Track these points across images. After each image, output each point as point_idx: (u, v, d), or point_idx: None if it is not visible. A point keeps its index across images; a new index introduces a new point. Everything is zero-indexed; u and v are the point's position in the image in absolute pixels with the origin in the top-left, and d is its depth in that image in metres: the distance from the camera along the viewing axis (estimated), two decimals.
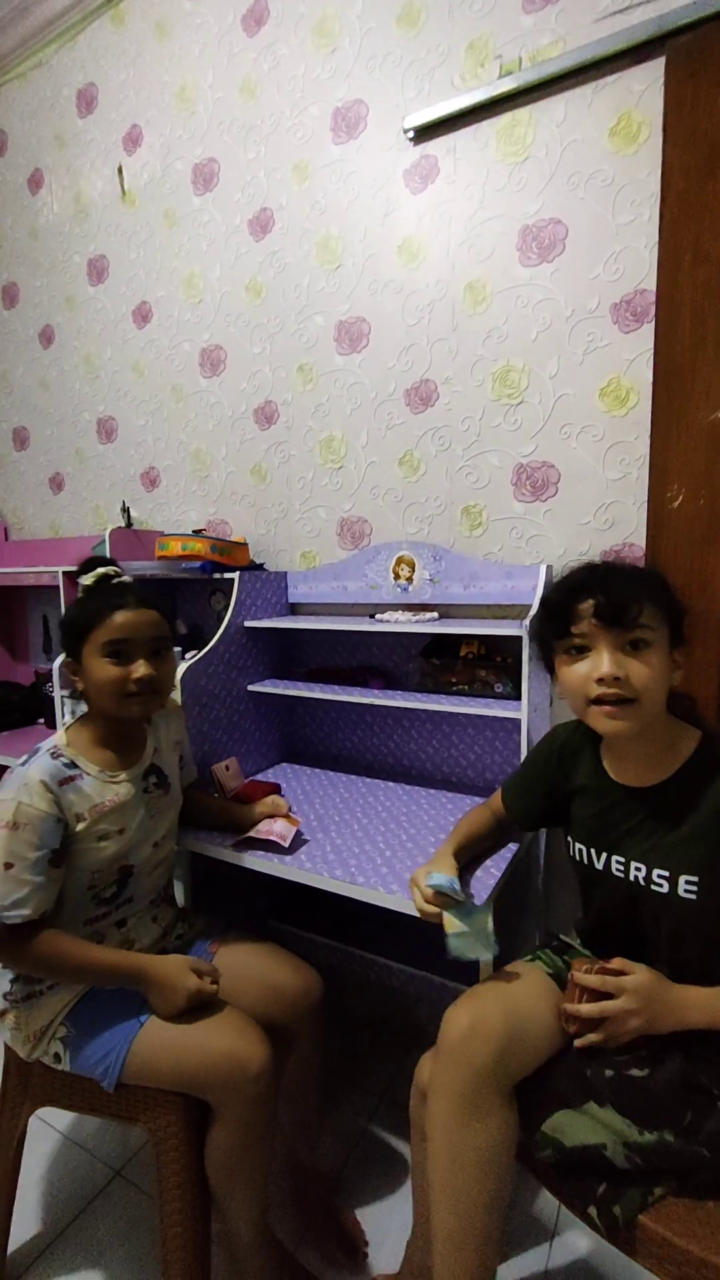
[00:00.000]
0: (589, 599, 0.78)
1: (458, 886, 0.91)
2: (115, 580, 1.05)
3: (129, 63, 1.91)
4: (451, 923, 0.88)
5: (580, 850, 0.93)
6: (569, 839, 0.96)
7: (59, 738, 0.99)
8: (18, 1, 2.00)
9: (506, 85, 1.31)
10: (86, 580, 1.05)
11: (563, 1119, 0.78)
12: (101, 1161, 1.28)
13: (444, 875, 0.92)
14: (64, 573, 1.81)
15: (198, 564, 1.53)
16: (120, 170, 1.97)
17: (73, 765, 0.96)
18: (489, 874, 1.05)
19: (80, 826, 0.93)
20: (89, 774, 0.97)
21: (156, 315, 1.95)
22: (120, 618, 0.97)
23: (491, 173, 1.39)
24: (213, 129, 1.78)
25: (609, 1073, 0.79)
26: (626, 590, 0.77)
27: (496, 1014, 0.81)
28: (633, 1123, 0.75)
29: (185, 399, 1.92)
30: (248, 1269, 0.97)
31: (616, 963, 0.82)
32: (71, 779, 0.94)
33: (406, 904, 0.98)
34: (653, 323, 1.25)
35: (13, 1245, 1.10)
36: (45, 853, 0.89)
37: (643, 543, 1.29)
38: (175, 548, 1.57)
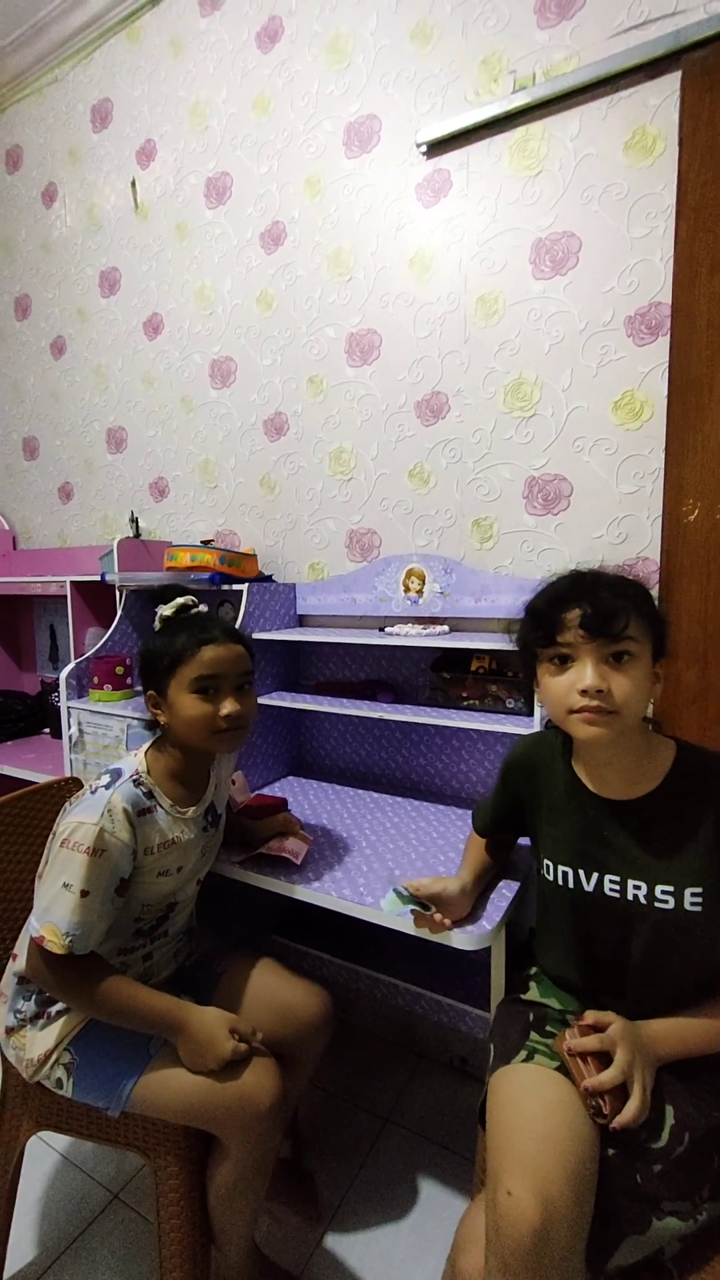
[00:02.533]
0: (575, 608, 0.77)
1: (400, 893, 0.99)
2: (194, 611, 1.04)
3: (144, 79, 1.93)
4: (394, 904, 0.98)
5: (565, 873, 0.87)
6: (547, 861, 0.89)
7: (140, 762, 0.97)
8: (35, 19, 2.03)
9: (520, 100, 1.31)
10: (166, 611, 1.03)
11: (628, 1246, 0.70)
12: (99, 1184, 1.25)
13: (393, 900, 0.99)
14: (72, 582, 1.81)
15: (206, 575, 1.52)
16: (133, 184, 1.99)
17: (150, 795, 0.94)
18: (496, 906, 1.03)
19: (147, 860, 0.92)
20: (162, 807, 0.95)
21: (167, 327, 1.96)
22: (210, 653, 0.94)
23: (504, 186, 1.39)
24: (226, 144, 1.79)
25: (658, 1168, 0.72)
26: (613, 602, 0.76)
27: (561, 1181, 0.65)
28: (685, 1203, 0.71)
29: (195, 410, 1.92)
30: None
31: (588, 1016, 0.80)
32: (149, 810, 0.93)
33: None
34: (668, 335, 1.24)
35: (9, 1269, 1.08)
36: (115, 882, 0.87)
37: (657, 557, 1.27)
38: (184, 559, 1.56)
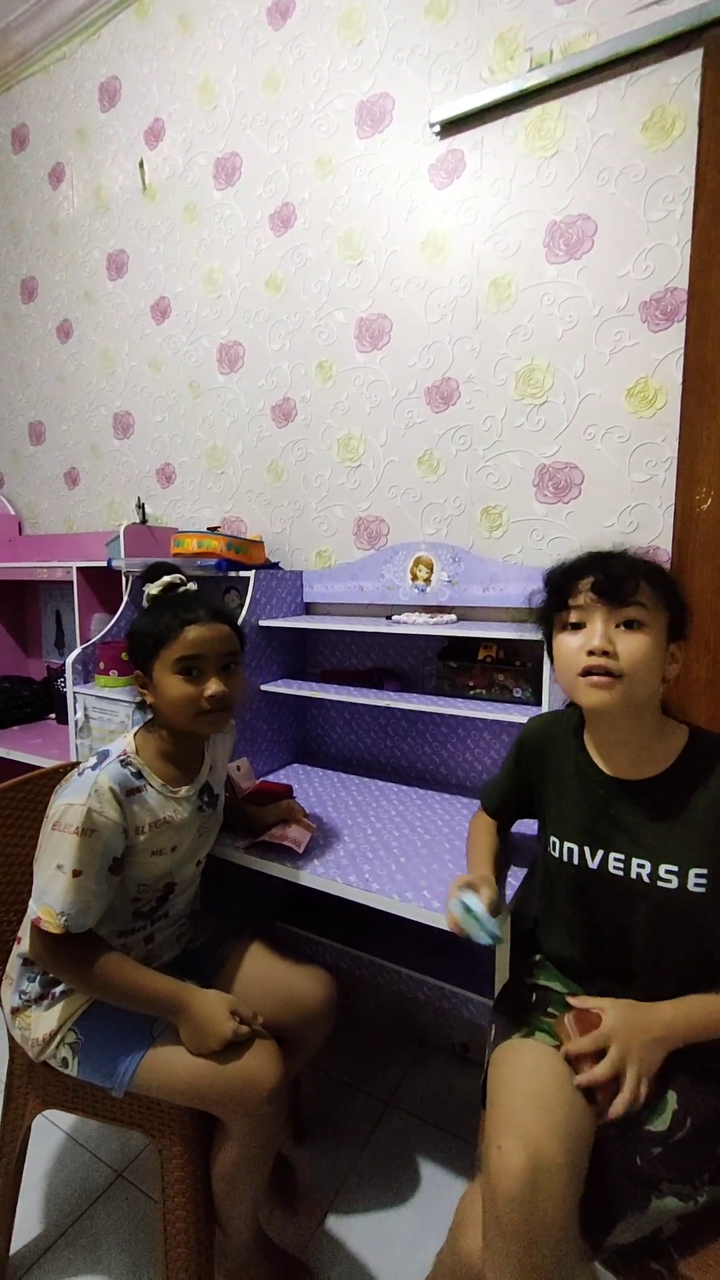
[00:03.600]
0: (589, 575, 0.80)
1: (480, 910, 0.85)
2: (182, 590, 1.03)
3: (152, 56, 1.90)
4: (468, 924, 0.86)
5: (570, 850, 0.88)
6: (554, 839, 0.91)
7: (128, 744, 0.97)
8: None
9: (537, 78, 1.29)
10: (153, 589, 1.01)
11: (626, 1224, 0.72)
12: (104, 1162, 1.26)
13: (475, 898, 0.86)
14: (78, 568, 1.81)
15: (213, 562, 1.52)
16: (141, 164, 1.96)
17: (139, 775, 0.94)
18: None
19: (140, 839, 0.92)
20: (153, 786, 0.95)
21: (175, 311, 1.94)
22: (193, 634, 0.93)
23: (519, 168, 1.36)
24: (235, 123, 1.76)
25: (657, 1150, 0.73)
26: (624, 569, 0.79)
27: (552, 1142, 0.68)
28: (686, 1186, 0.72)
29: (202, 395, 1.91)
30: (242, 1264, 0.97)
31: (579, 1002, 0.81)
32: (138, 790, 0.92)
33: (420, 912, 0.97)
34: (683, 322, 1.22)
35: (15, 1245, 1.09)
36: (109, 860, 0.87)
37: (669, 546, 1.26)
38: (190, 545, 1.55)
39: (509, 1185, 0.66)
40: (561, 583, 0.83)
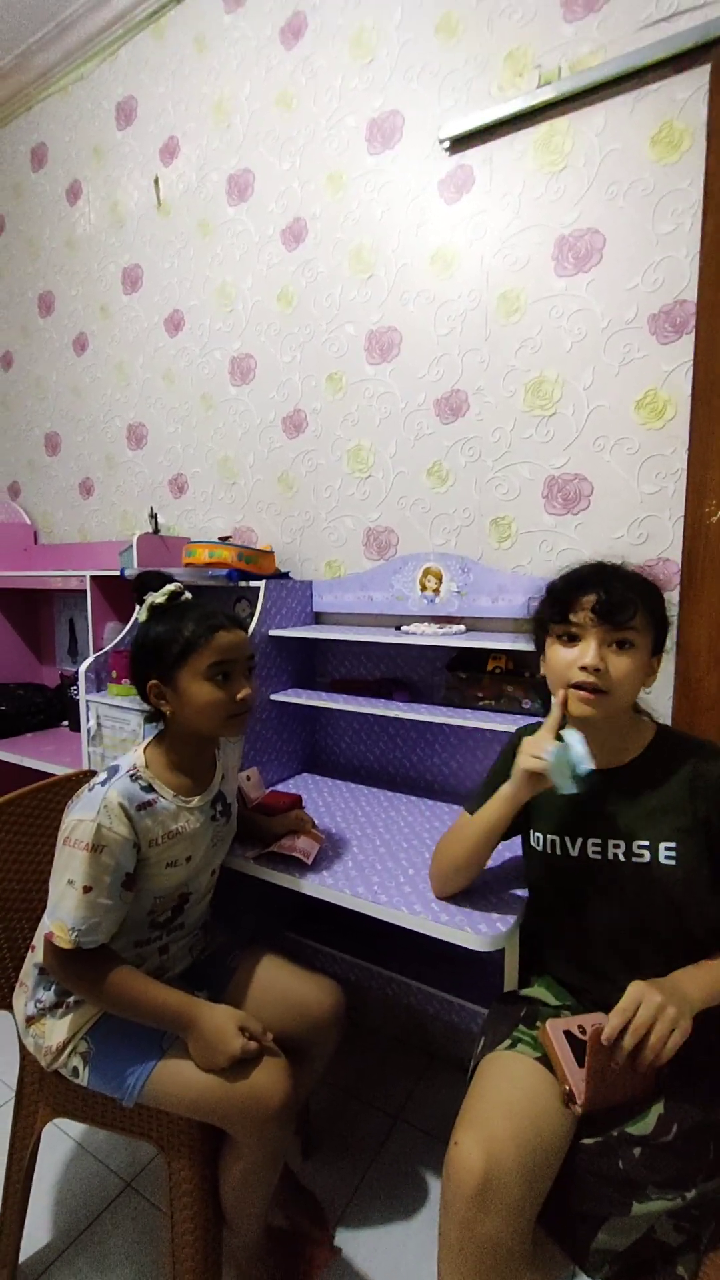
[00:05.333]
0: (591, 594, 0.84)
1: (580, 746, 0.82)
2: (183, 598, 1.03)
3: (168, 76, 1.94)
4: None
5: (552, 841, 0.93)
6: (536, 834, 0.96)
7: (138, 758, 0.97)
8: (62, 17, 2.04)
9: (545, 94, 1.30)
10: (158, 598, 1.01)
11: (611, 1228, 0.73)
12: (113, 1172, 1.27)
13: (576, 734, 0.84)
14: (91, 577, 1.83)
15: (224, 572, 1.53)
16: (156, 181, 2.00)
17: (150, 789, 0.94)
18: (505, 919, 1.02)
19: (153, 851, 0.92)
20: (164, 798, 0.95)
21: (188, 324, 1.97)
22: (224, 639, 0.94)
23: (528, 182, 1.37)
24: (249, 140, 1.79)
25: (638, 1151, 0.75)
26: (625, 593, 0.84)
27: (510, 1146, 0.71)
28: (675, 1191, 0.72)
29: (215, 407, 1.93)
30: (251, 1264, 0.98)
31: (560, 1024, 0.81)
32: (149, 804, 0.93)
33: (430, 925, 0.97)
34: (692, 334, 1.22)
35: (25, 1254, 1.10)
36: (121, 876, 0.88)
37: (678, 558, 1.26)
38: (202, 555, 1.57)
39: (459, 1179, 0.70)
40: (564, 596, 0.87)
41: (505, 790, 0.93)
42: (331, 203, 1.65)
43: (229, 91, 1.81)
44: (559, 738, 0.86)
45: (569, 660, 0.85)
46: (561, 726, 0.87)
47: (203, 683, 0.94)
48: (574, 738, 0.84)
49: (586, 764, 0.82)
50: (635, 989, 0.76)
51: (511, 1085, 0.79)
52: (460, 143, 1.44)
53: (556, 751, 0.84)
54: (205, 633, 0.94)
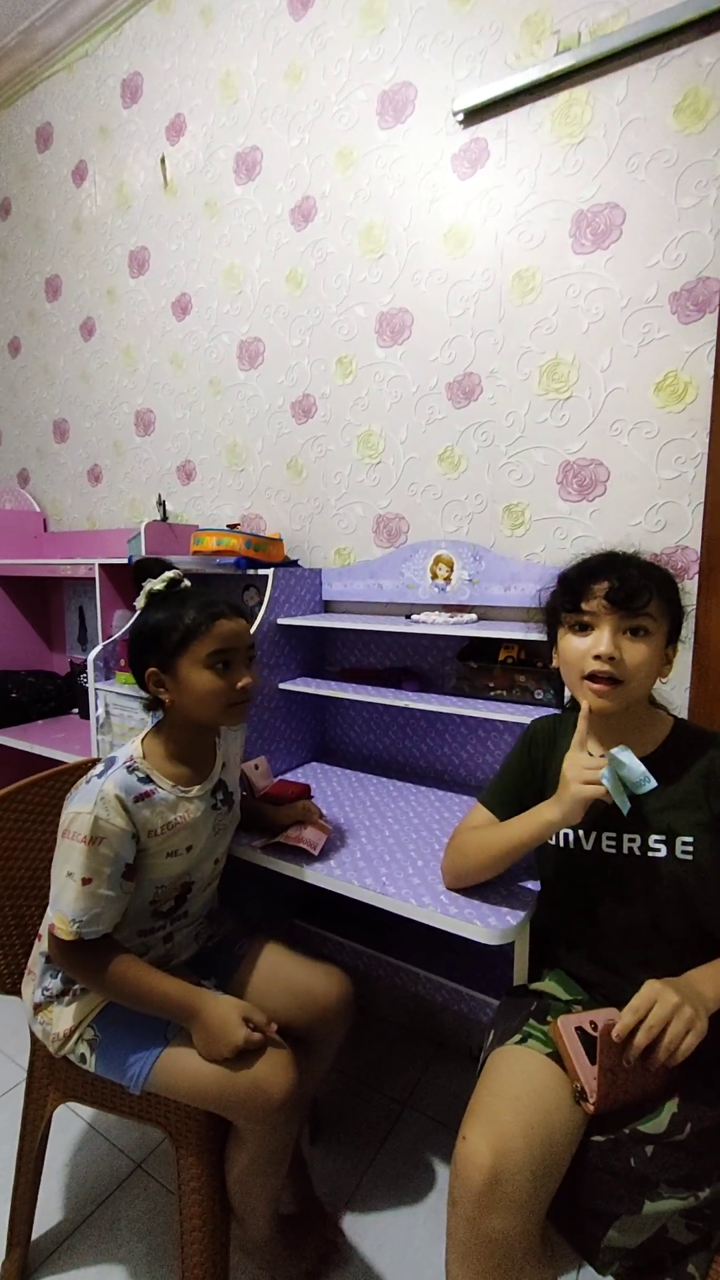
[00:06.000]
0: (604, 581, 0.82)
1: (633, 760, 0.80)
2: (182, 585, 1.02)
3: (174, 50, 1.89)
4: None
5: (565, 836, 0.92)
6: None
7: (135, 749, 0.97)
8: None
9: (564, 62, 1.25)
10: (157, 585, 0.99)
11: (622, 1226, 0.72)
12: (123, 1153, 1.28)
13: (627, 751, 0.81)
14: (100, 565, 1.82)
15: (232, 559, 1.52)
16: (163, 160, 1.96)
17: (148, 780, 0.93)
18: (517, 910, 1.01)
19: (152, 842, 0.92)
20: (163, 789, 0.94)
21: (196, 307, 1.94)
22: (225, 627, 0.93)
23: (545, 155, 1.33)
24: (256, 116, 1.75)
25: (650, 1149, 0.74)
26: (639, 580, 0.82)
27: (518, 1139, 0.70)
28: (688, 1190, 0.71)
29: (223, 392, 1.91)
30: (260, 1251, 0.99)
31: (572, 1020, 0.80)
32: (147, 794, 0.92)
33: (437, 917, 0.95)
34: (715, 313, 1.18)
35: (37, 1231, 1.11)
36: (120, 866, 0.88)
37: (697, 546, 1.22)
38: (210, 543, 1.55)
39: (467, 1175, 0.69)
40: (576, 584, 0.85)
41: (551, 815, 0.86)
42: (341, 180, 1.61)
43: (236, 66, 1.77)
44: (604, 754, 0.82)
45: (582, 650, 0.84)
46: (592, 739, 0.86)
47: (203, 671, 0.93)
48: (626, 755, 0.81)
49: (650, 782, 0.79)
50: (650, 988, 0.75)
51: (521, 1080, 0.78)
52: (474, 115, 1.40)
53: (608, 775, 0.81)
54: (206, 620, 0.93)
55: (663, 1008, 0.72)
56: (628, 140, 1.24)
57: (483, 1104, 0.76)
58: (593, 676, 0.83)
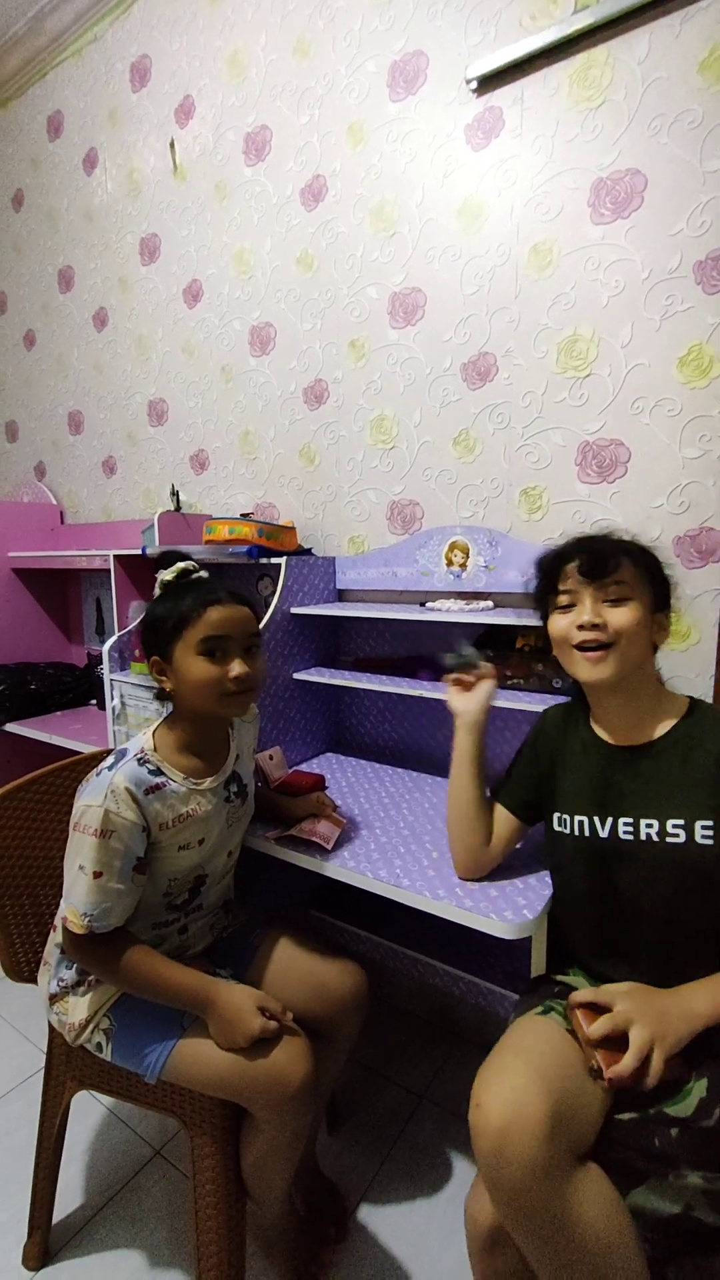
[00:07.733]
0: (574, 559, 0.86)
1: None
2: (195, 575, 1.02)
3: (182, 30, 1.86)
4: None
5: (580, 822, 0.90)
6: (564, 817, 0.92)
7: (146, 741, 0.96)
8: None
9: (582, 21, 1.19)
10: (167, 575, 1.00)
11: (645, 1191, 0.71)
12: (143, 1139, 1.29)
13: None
14: (115, 556, 1.82)
15: (244, 549, 1.50)
16: (172, 144, 1.93)
17: (159, 772, 0.93)
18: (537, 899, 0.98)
19: (163, 835, 0.91)
20: (174, 781, 0.94)
21: (207, 293, 1.92)
22: (216, 614, 0.92)
23: (562, 122, 1.27)
24: (265, 94, 1.71)
25: (675, 1131, 0.73)
26: (607, 549, 0.85)
27: (532, 1087, 0.70)
28: (715, 1173, 0.70)
29: (235, 379, 1.88)
30: (275, 1235, 0.99)
31: (587, 995, 0.81)
32: (158, 787, 0.91)
33: (453, 910, 0.94)
34: None
35: (57, 1215, 1.13)
36: (131, 860, 0.87)
37: None
38: (222, 532, 1.54)
39: (486, 1141, 0.68)
40: (551, 567, 0.90)
41: (458, 736, 1.01)
42: (352, 156, 1.57)
43: (244, 43, 1.73)
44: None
45: (568, 623, 0.87)
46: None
47: (195, 658, 0.92)
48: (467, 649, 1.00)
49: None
50: (628, 989, 0.78)
51: (537, 1041, 0.79)
52: (488, 82, 1.35)
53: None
54: (198, 607, 0.92)
55: (624, 1009, 0.75)
56: (650, 101, 1.18)
57: (493, 1065, 0.76)
58: (581, 646, 0.85)
